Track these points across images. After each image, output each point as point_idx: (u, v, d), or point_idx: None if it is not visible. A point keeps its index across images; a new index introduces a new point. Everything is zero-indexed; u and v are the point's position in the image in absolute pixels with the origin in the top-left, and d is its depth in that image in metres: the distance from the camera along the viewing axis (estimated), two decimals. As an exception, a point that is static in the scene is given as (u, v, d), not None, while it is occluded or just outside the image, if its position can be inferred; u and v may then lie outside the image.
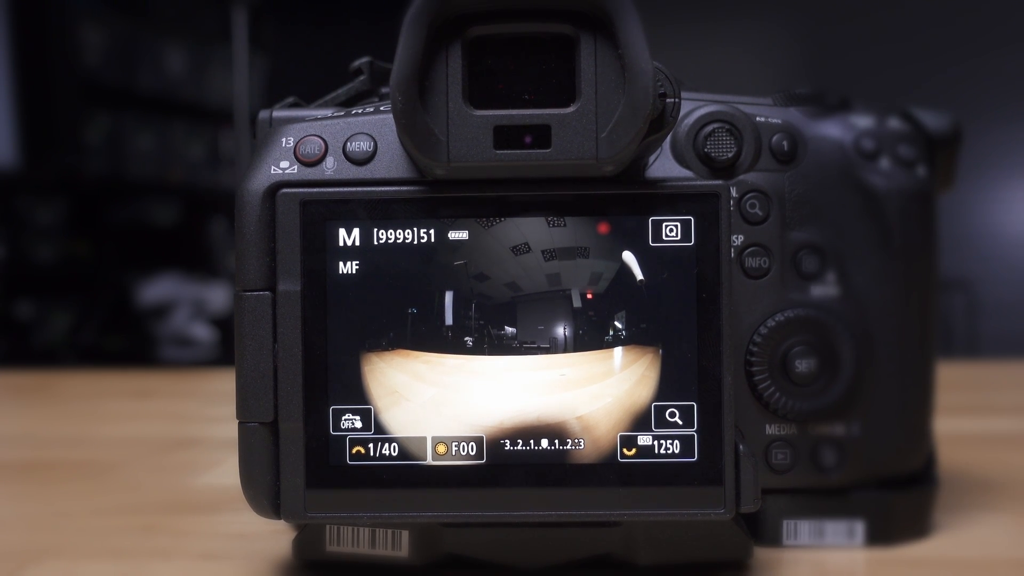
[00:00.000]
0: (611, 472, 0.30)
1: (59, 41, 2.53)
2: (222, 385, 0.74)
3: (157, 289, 2.62)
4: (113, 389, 0.91)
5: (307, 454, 0.30)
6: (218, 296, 2.64)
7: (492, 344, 0.30)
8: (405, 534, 0.32)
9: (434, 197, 0.30)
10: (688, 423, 0.30)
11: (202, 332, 2.60)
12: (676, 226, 0.30)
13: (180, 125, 2.87)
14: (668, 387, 0.30)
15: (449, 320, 0.30)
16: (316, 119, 0.32)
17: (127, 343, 2.56)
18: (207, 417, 0.71)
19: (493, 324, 0.30)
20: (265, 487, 0.30)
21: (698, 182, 0.31)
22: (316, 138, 0.31)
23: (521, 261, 0.30)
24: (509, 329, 0.30)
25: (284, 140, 0.31)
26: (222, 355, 2.45)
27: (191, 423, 0.70)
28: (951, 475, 0.43)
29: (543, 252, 0.30)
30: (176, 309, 2.62)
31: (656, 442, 0.30)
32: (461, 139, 0.29)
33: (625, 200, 0.30)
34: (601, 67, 0.29)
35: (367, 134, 0.31)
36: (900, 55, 3.19)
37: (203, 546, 0.38)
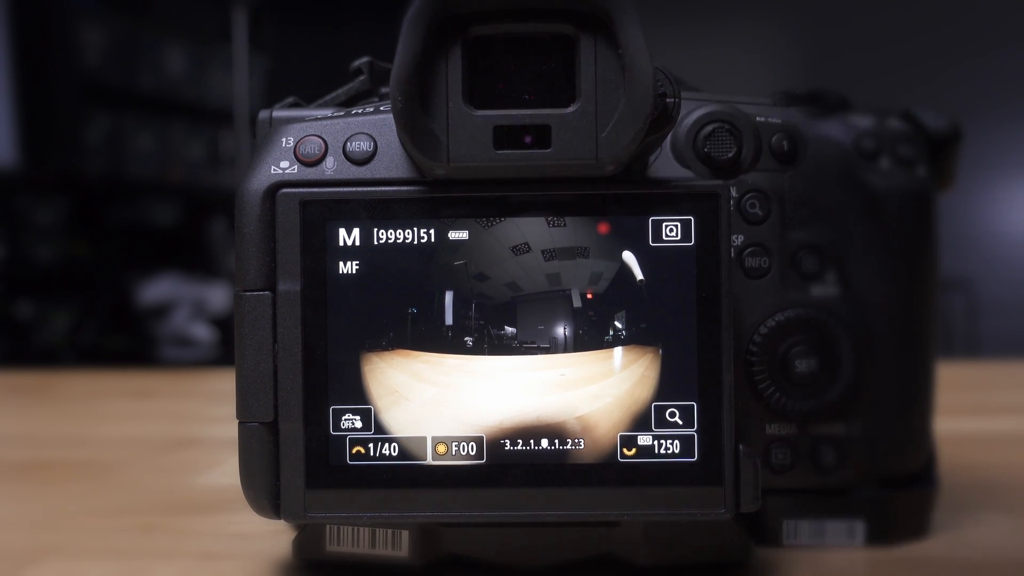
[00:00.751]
0: (611, 472, 0.30)
1: (59, 41, 2.53)
2: (222, 385, 0.74)
3: (157, 289, 2.62)
4: (113, 389, 0.91)
5: (307, 454, 0.30)
6: (218, 296, 2.64)
7: (492, 344, 0.30)
8: (405, 534, 0.32)
9: (434, 197, 0.30)
10: (688, 423, 0.30)
11: (202, 332, 2.60)
12: (676, 226, 0.30)
13: (180, 125, 2.87)
14: (668, 387, 0.30)
15: (449, 320, 0.30)
16: (316, 119, 0.32)
17: (127, 343, 2.56)
18: (207, 417, 0.71)
19: (493, 324, 0.30)
20: (265, 487, 0.30)
21: (698, 182, 0.31)
22: (316, 138, 0.31)
23: (521, 261, 0.30)
24: (509, 329, 0.30)
25: (284, 140, 0.31)
26: (222, 355, 2.45)
27: (191, 423, 0.70)
28: (951, 475, 0.43)
29: (543, 252, 0.30)
30: (176, 309, 2.62)
31: (656, 442, 0.30)
32: (461, 139, 0.29)
33: (625, 200, 0.30)
34: (601, 67, 0.29)
35: (367, 134, 0.31)
36: (900, 55, 3.19)
37: (203, 546, 0.38)
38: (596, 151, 0.29)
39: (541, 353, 0.30)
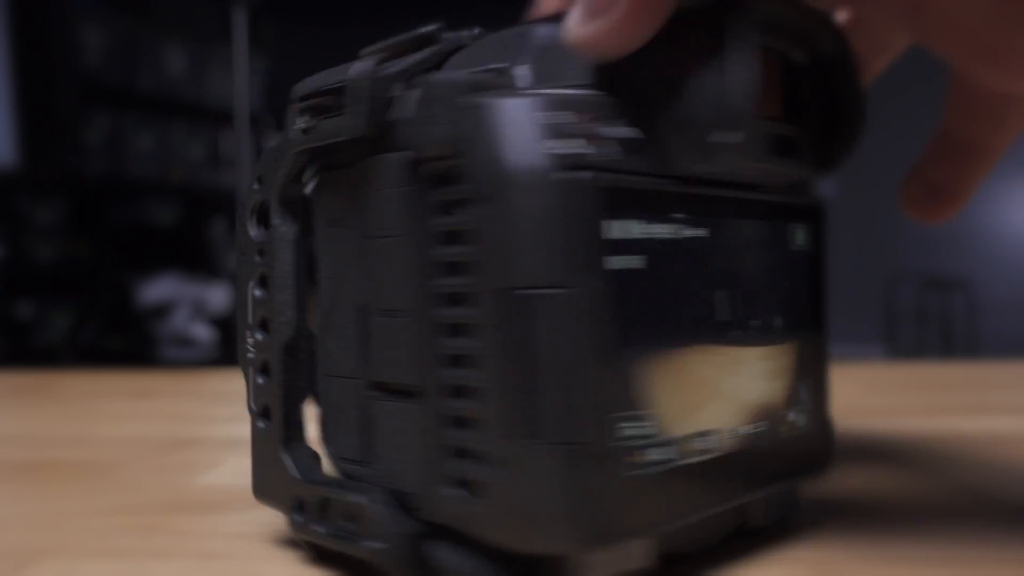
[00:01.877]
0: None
1: (59, 41, 2.54)
2: (222, 385, 0.74)
3: (157, 289, 2.62)
4: (113, 389, 0.91)
5: (596, 469, 0.26)
6: (218, 296, 2.65)
7: (749, 336, 0.32)
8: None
9: (701, 194, 0.30)
10: (809, 400, 0.35)
11: (202, 332, 2.60)
12: (802, 231, 0.34)
13: (180, 125, 2.87)
14: (802, 371, 0.35)
15: (724, 315, 0.31)
16: (573, 98, 0.27)
17: (127, 343, 2.56)
18: (207, 417, 0.71)
19: (750, 315, 0.32)
20: (587, 516, 0.26)
21: (813, 192, 0.35)
22: (583, 121, 0.27)
23: (749, 256, 0.32)
24: (756, 322, 0.32)
25: (546, 118, 0.26)
26: (222, 355, 2.45)
27: (191, 423, 0.70)
28: (951, 475, 0.43)
29: (757, 248, 0.32)
30: (176, 309, 2.62)
31: (797, 417, 0.34)
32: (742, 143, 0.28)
33: (783, 207, 0.33)
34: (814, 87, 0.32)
35: (627, 122, 0.28)
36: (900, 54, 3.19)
37: (203, 546, 0.38)
38: (817, 163, 0.32)
39: (766, 344, 0.33)
